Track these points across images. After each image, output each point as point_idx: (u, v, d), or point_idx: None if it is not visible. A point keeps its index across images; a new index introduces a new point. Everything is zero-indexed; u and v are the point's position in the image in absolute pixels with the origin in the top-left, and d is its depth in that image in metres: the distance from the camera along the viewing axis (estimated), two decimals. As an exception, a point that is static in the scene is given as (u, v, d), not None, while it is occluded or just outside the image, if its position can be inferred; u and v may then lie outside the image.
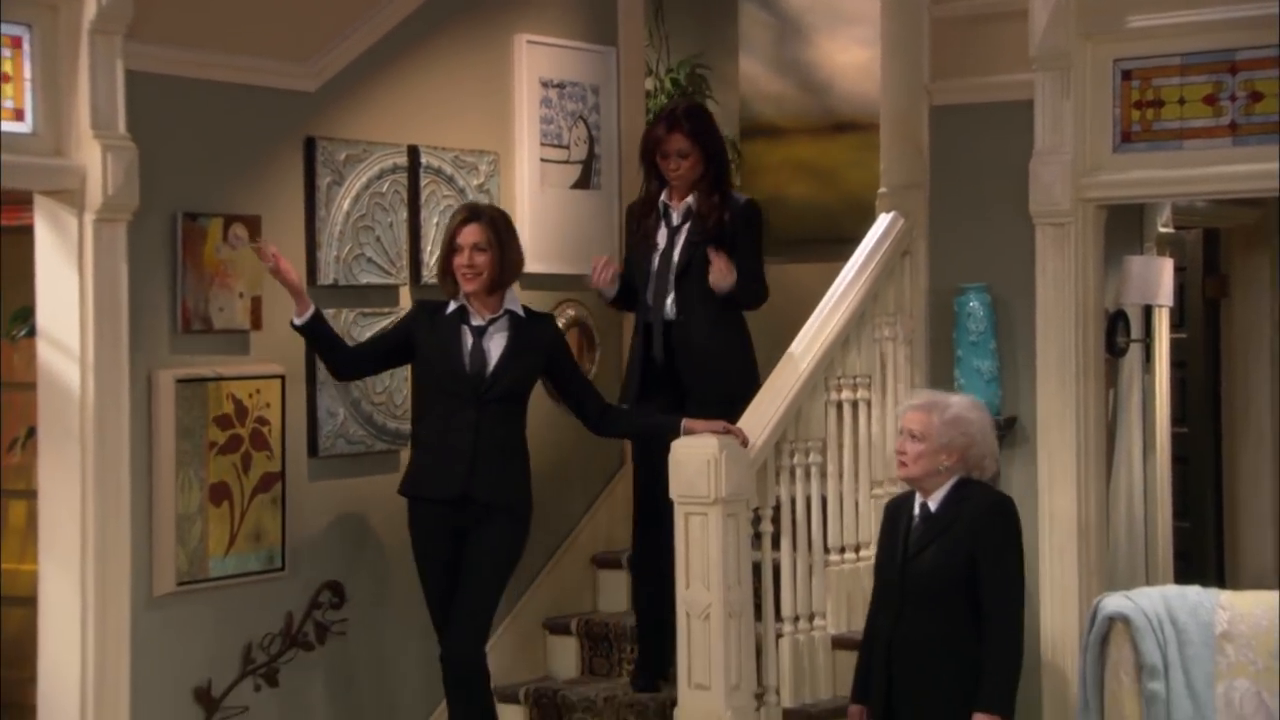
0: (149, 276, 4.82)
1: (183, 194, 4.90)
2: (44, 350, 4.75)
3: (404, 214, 5.49)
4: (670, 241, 5.46)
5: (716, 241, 5.41)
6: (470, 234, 5.02)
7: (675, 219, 5.49)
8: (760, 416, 5.25)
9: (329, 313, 5.23)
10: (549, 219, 5.96)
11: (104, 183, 4.63)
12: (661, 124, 5.48)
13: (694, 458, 4.99)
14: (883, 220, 5.69)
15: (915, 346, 5.65)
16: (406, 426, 5.40)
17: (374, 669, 5.39)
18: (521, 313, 5.10)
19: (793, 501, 5.31)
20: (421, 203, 5.53)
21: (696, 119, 5.48)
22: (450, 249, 5.05)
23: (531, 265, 5.88)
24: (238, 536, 5.03)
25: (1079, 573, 5.37)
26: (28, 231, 4.85)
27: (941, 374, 5.58)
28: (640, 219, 5.55)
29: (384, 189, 5.43)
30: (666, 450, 5.02)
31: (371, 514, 5.40)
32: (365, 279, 5.37)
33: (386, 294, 5.45)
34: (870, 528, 5.53)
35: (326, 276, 5.27)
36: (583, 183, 6.10)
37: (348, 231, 5.33)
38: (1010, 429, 5.49)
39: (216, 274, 4.95)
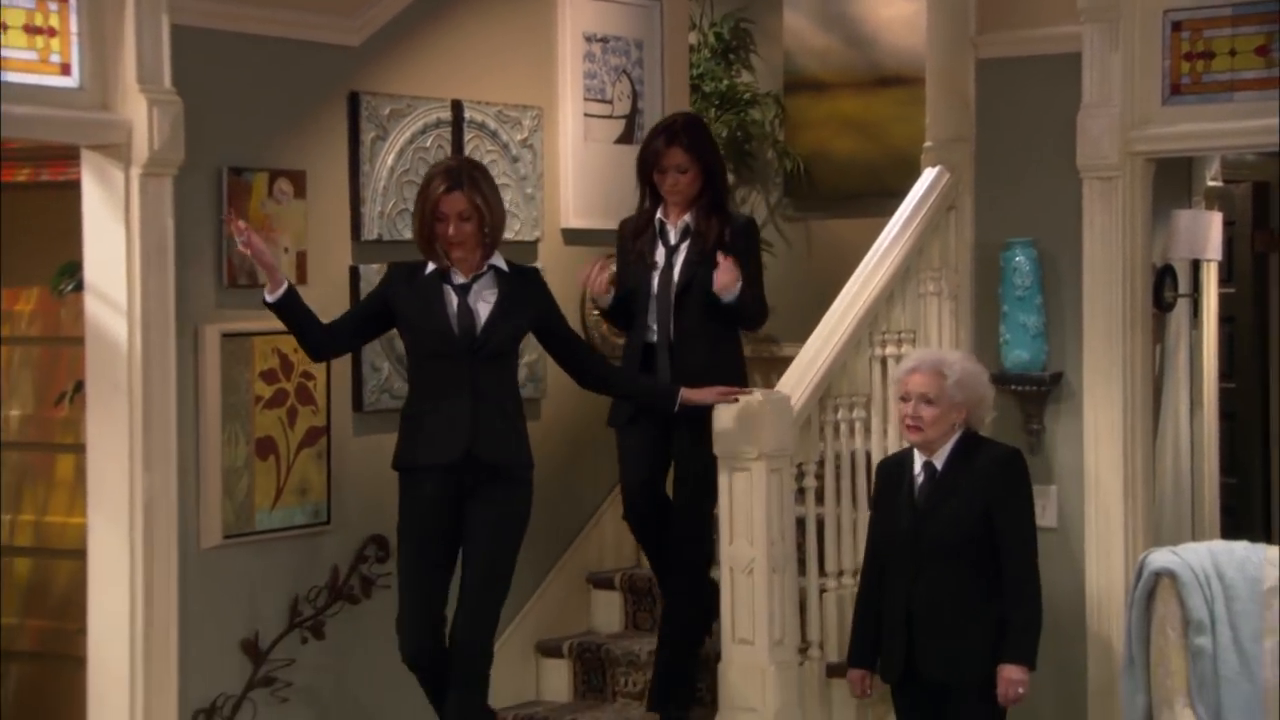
0: (195, 231, 4.84)
1: (228, 149, 4.91)
2: (91, 304, 4.78)
3: (448, 169, 5.48)
4: (669, 261, 5.25)
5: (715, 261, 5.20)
6: (454, 203, 4.73)
7: (673, 237, 5.27)
8: (804, 372, 5.24)
9: (373, 268, 5.24)
10: (592, 174, 5.95)
11: (150, 137, 4.65)
12: (660, 138, 5.25)
13: (740, 413, 4.98)
14: (928, 175, 5.65)
15: (960, 302, 5.62)
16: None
17: (419, 622, 5.41)
18: (506, 268, 4.87)
19: (836, 457, 5.31)
20: (465, 158, 5.52)
21: (696, 132, 5.27)
22: (432, 217, 4.74)
23: (574, 221, 5.90)
24: (284, 490, 5.05)
25: (1125, 528, 5.35)
26: (74, 186, 4.87)
27: (986, 329, 5.56)
28: (635, 237, 5.31)
29: (428, 144, 5.43)
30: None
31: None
32: (409, 234, 5.36)
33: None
34: (914, 483, 5.52)
35: (370, 232, 5.27)
36: (626, 138, 6.08)
37: (391, 187, 5.33)
38: (1056, 385, 5.47)
39: (262, 228, 4.96)
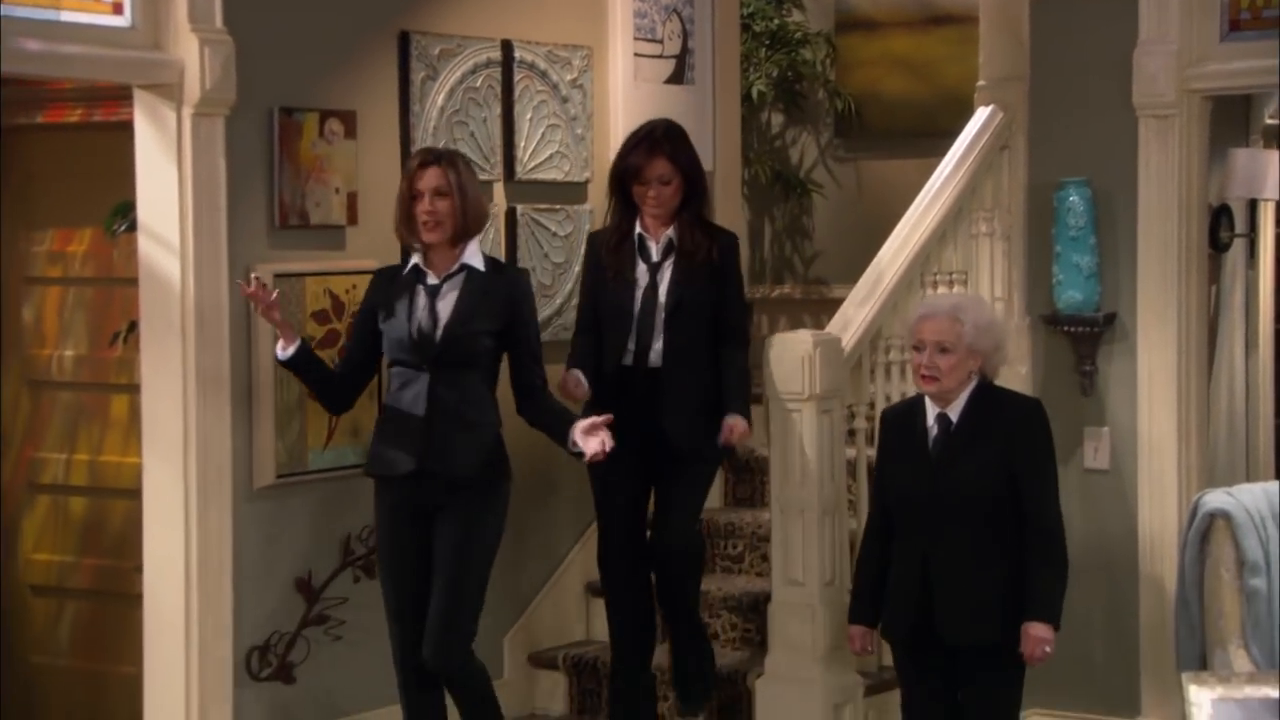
0: (246, 171, 4.84)
1: (279, 89, 4.91)
2: (144, 245, 4.80)
3: (498, 109, 5.47)
4: (652, 279, 4.95)
5: (706, 277, 4.94)
6: (430, 178, 4.60)
7: (655, 253, 4.98)
8: (855, 313, 5.23)
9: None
10: (642, 114, 5.90)
11: (202, 77, 4.65)
12: (640, 149, 4.95)
13: (790, 354, 4.99)
14: (981, 114, 5.60)
15: (1013, 242, 5.58)
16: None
17: (470, 562, 5.44)
18: (482, 266, 4.66)
19: (887, 398, 5.29)
20: (515, 98, 5.51)
21: (677, 140, 4.98)
22: (410, 195, 4.64)
23: (625, 161, 5.86)
24: (335, 431, 5.07)
25: (1178, 469, 5.32)
26: (127, 127, 4.88)
27: (1039, 270, 5.52)
28: (611, 252, 4.99)
29: (478, 84, 5.41)
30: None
31: (467, 409, 5.43)
32: (459, 175, 5.36)
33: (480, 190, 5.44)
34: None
35: (421, 172, 5.26)
36: (676, 77, 6.05)
37: (442, 127, 5.32)
38: (1109, 326, 5.43)
39: (313, 169, 4.96)
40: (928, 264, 5.42)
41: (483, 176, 5.42)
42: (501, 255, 5.45)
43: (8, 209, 6.40)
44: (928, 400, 4.44)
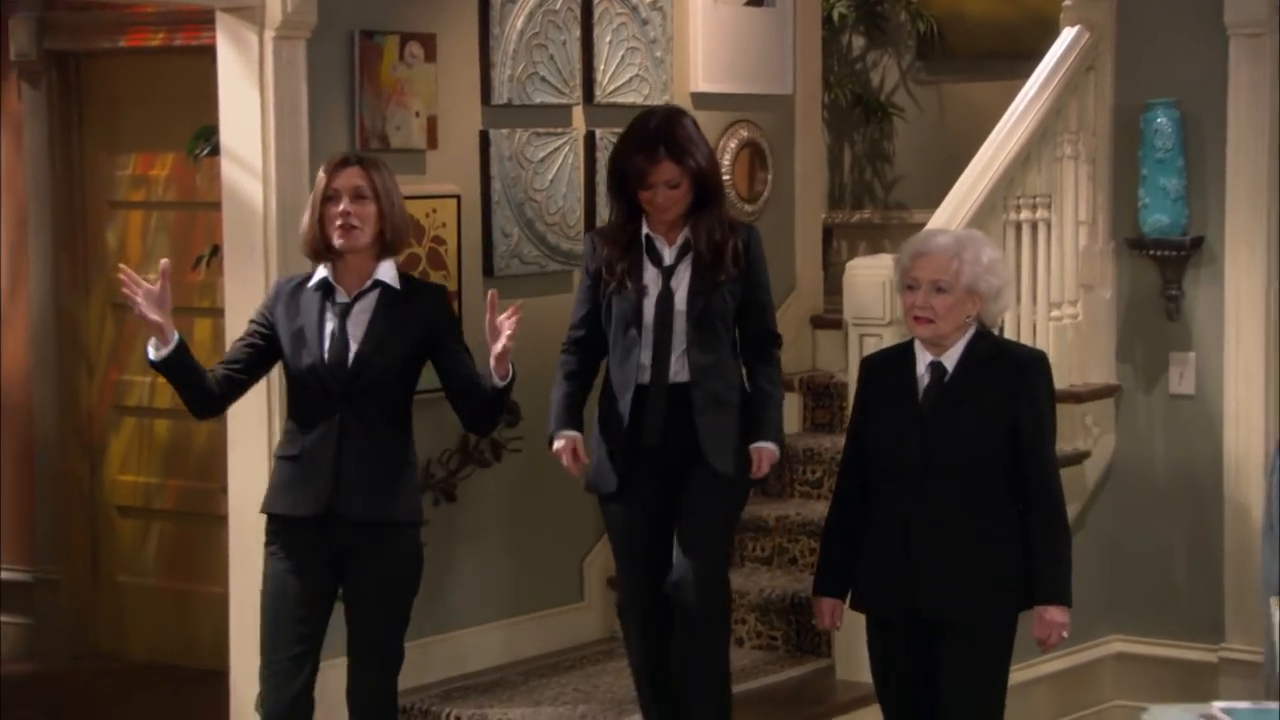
0: (327, 95, 4.84)
1: (360, 12, 4.90)
2: (227, 168, 4.82)
3: (577, 32, 5.44)
4: (666, 286, 4.32)
5: (729, 279, 4.32)
6: (349, 177, 4.10)
7: (668, 256, 4.36)
8: (937, 237, 5.18)
9: (503, 132, 5.23)
10: (722, 37, 5.87)
11: (283, 0, 4.65)
12: (639, 154, 4.29)
13: (869, 279, 4.96)
14: (1067, 34, 5.52)
15: (1098, 165, 5.52)
16: (579, 247, 5.37)
17: (549, 486, 5.46)
18: (396, 284, 4.15)
19: (969, 323, 5.24)
20: (594, 20, 5.47)
21: (678, 134, 4.31)
22: (323, 198, 4.11)
23: (704, 85, 5.83)
24: (416, 354, 5.09)
25: (1265, 394, 5.26)
26: (209, 51, 4.89)
27: (1125, 193, 5.45)
28: (619, 257, 4.35)
29: (557, 6, 5.38)
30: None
31: (545, 334, 5.43)
32: (539, 98, 5.35)
33: (559, 114, 5.42)
34: (1048, 350, 5.45)
35: (500, 96, 5.25)
36: (757, 0, 5.99)
37: (521, 50, 5.30)
38: (1196, 249, 5.36)
39: (393, 92, 4.96)
40: (1011, 188, 5.36)
41: (561, 100, 5.40)
42: (580, 181, 5.44)
43: (91, 134, 6.45)
44: (918, 346, 4.01)
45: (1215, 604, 5.38)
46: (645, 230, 4.37)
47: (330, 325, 4.12)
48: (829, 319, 6.03)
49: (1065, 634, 3.97)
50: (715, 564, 4.36)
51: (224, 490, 4.96)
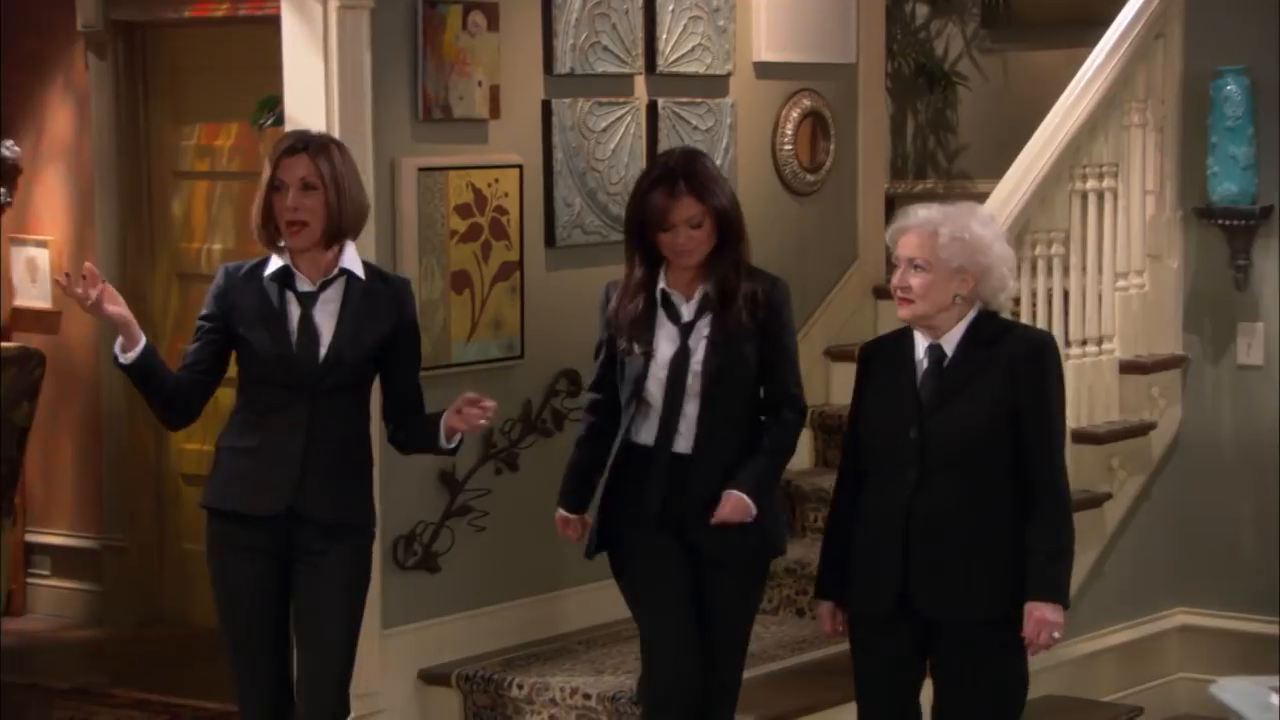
0: (391, 64, 4.85)
1: (435, -19, 4.91)
2: (291, 139, 4.83)
3: (640, 1, 5.42)
4: (683, 343, 4.03)
5: (751, 336, 4.02)
6: (295, 167, 3.87)
7: (687, 312, 4.07)
8: (1001, 206, 5.15)
9: (565, 102, 5.22)
10: (784, 5, 5.83)
11: (347, -31, 4.67)
12: (658, 189, 4.00)
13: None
14: (1135, 1, 5.45)
15: (1166, 133, 5.46)
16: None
17: (611, 455, 5.48)
18: (362, 273, 3.98)
19: (1033, 295, 5.21)
20: (657, -12, 5.46)
21: (703, 173, 4.03)
22: (270, 186, 3.91)
23: (766, 54, 5.80)
24: (478, 324, 5.10)
25: (1336, 365, 5.21)
26: (273, 20, 4.91)
27: (1193, 162, 5.40)
28: (629, 317, 4.08)
29: (619, -25, 5.37)
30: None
31: (607, 304, 5.44)
32: (601, 68, 5.34)
33: (621, 84, 5.41)
34: (1113, 320, 5.42)
35: (563, 65, 5.24)
36: (819, -33, 5.96)
37: (584, 19, 5.28)
38: (1266, 219, 5.31)
39: (456, 62, 4.96)
40: (1077, 156, 5.31)
41: (623, 69, 5.39)
42: (641, 151, 5.43)
43: (156, 104, 6.50)
44: (917, 331, 3.82)
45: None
46: (661, 285, 4.07)
47: (295, 314, 3.93)
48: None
49: (1057, 635, 3.71)
50: (741, 654, 4.12)
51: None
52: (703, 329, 4.05)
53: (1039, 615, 3.70)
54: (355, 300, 3.96)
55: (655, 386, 4.05)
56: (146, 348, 3.88)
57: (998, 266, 3.76)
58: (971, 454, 3.72)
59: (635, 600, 4.14)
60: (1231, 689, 4.14)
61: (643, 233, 4.05)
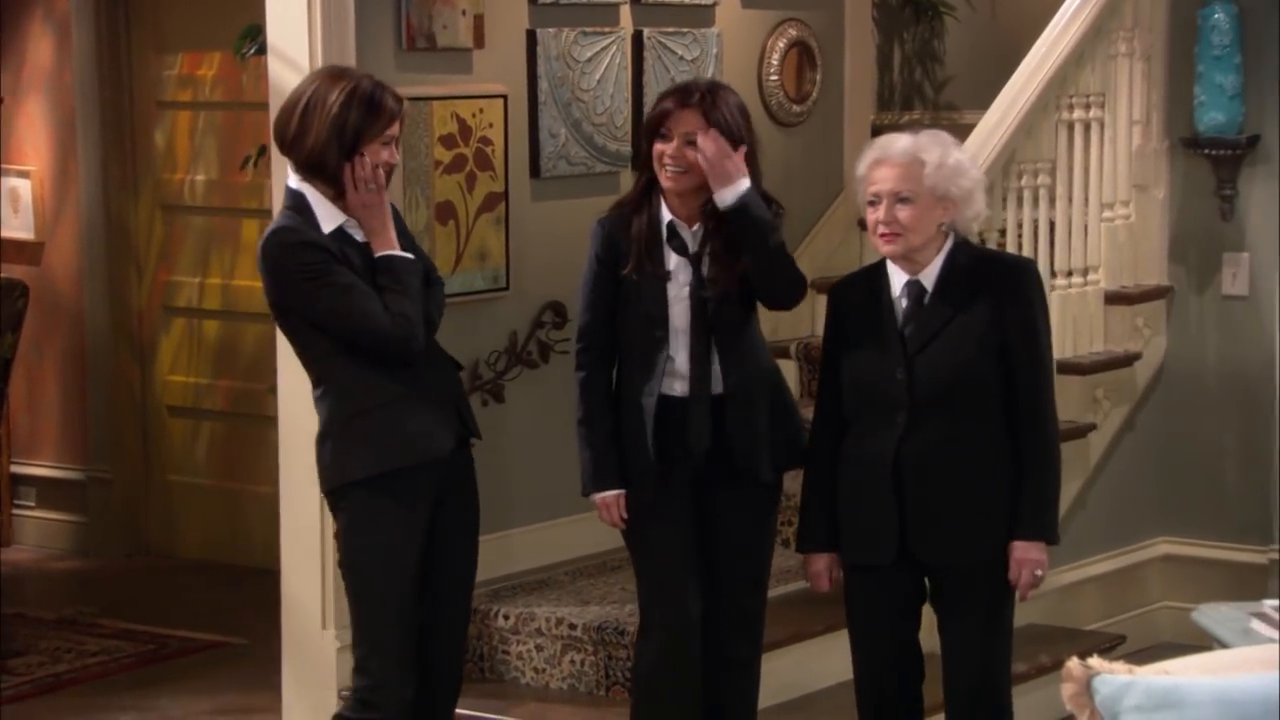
0: (373, -7, 4.82)
1: (405, -92, 4.86)
2: (274, 68, 4.79)
3: (624, -72, 5.38)
4: (697, 278, 3.83)
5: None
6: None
7: (692, 243, 3.86)
8: (987, 137, 5.13)
9: (550, 31, 5.18)
10: (771, -67, 5.80)
11: (327, -104, 4.62)
12: (672, 97, 3.84)
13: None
14: (1123, -71, 5.43)
15: (1153, 63, 5.44)
16: (627, 148, 5.32)
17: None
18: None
19: (1019, 225, 5.20)
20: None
21: (720, 97, 3.82)
22: (379, 142, 3.91)
23: (753, -17, 5.76)
24: (463, 255, 5.09)
25: (1321, 293, 5.21)
26: (254, -52, 4.87)
27: (1180, 91, 5.38)
28: (633, 242, 3.85)
29: (605, -97, 5.32)
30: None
31: (593, 235, 5.42)
32: (586, -4, 5.29)
33: (607, 13, 5.37)
34: (1099, 251, 5.42)
35: (547, -7, 5.21)
36: (806, -104, 5.91)
37: (568, -53, 5.24)
38: (1252, 148, 5.30)
39: (439, -10, 4.93)
40: (1064, 86, 5.29)
41: (609, -2, 5.35)
42: (627, 81, 5.38)
43: (138, 34, 6.44)
44: (891, 266, 3.67)
45: (1265, 506, 5.37)
46: (666, 215, 3.85)
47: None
48: (878, 220, 5.97)
49: (1040, 573, 3.62)
50: (763, 601, 3.95)
51: (272, 391, 4.98)
52: (709, 264, 3.85)
53: (1023, 555, 3.62)
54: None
55: (680, 308, 3.83)
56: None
57: (977, 191, 3.67)
58: (961, 392, 3.61)
59: (639, 545, 3.97)
60: (1212, 614, 4.18)
61: (650, 149, 3.84)
